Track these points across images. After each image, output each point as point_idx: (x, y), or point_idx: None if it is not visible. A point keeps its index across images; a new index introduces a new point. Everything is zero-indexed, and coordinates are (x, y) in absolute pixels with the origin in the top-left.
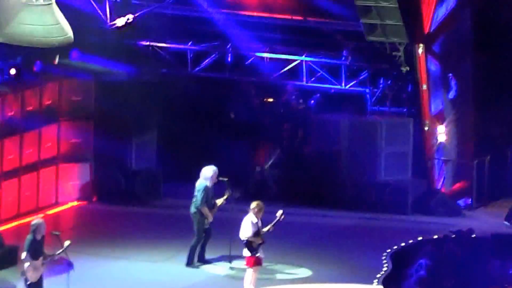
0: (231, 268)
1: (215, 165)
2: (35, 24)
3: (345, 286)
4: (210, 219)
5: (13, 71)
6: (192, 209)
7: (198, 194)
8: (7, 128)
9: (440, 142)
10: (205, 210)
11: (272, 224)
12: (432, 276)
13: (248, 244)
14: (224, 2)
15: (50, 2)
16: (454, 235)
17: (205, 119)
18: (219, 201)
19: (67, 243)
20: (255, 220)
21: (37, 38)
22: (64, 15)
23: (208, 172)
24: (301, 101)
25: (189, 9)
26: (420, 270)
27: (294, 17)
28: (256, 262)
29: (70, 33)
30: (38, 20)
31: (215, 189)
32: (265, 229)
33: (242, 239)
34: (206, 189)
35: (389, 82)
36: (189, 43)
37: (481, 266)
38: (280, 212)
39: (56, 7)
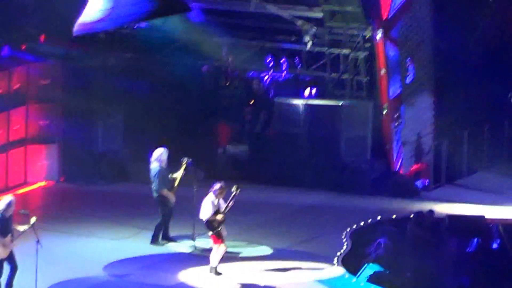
0: (195, 246)
1: (180, 146)
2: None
3: (304, 264)
4: (172, 200)
5: None
6: (154, 194)
7: (155, 180)
8: None
9: (398, 125)
10: (165, 192)
11: (230, 200)
12: (390, 254)
13: (209, 223)
14: None
15: None
16: (415, 215)
17: (169, 102)
18: (178, 175)
19: (33, 219)
20: (215, 201)
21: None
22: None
23: (160, 154)
24: (262, 85)
25: None
26: (378, 249)
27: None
28: (219, 239)
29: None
30: None
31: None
32: (225, 207)
33: (202, 219)
34: (160, 172)
35: (348, 67)
36: None
37: (439, 245)
38: (234, 187)
39: None
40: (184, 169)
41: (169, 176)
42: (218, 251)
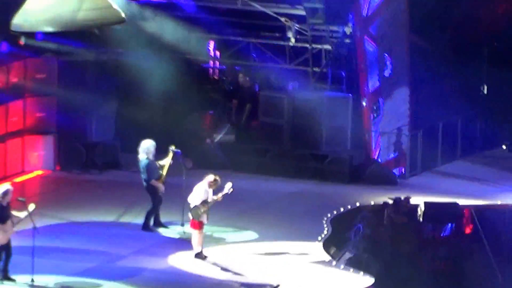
0: (183, 232)
1: (169, 137)
2: (92, 10)
3: (287, 248)
4: (162, 188)
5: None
6: (144, 184)
7: (144, 172)
8: None
9: (377, 117)
10: (155, 183)
11: (220, 195)
12: (368, 239)
13: (195, 209)
14: None
15: None
16: (392, 202)
17: (159, 95)
18: (165, 162)
19: (31, 206)
20: (207, 190)
21: (94, 21)
22: None
23: (147, 146)
24: (247, 78)
25: None
26: (357, 234)
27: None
28: (199, 226)
29: (121, 15)
30: (94, 6)
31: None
32: (214, 197)
33: (190, 204)
34: (149, 164)
35: (329, 62)
36: None
37: (415, 229)
38: (229, 185)
39: None
40: (172, 158)
41: (157, 163)
42: (196, 236)
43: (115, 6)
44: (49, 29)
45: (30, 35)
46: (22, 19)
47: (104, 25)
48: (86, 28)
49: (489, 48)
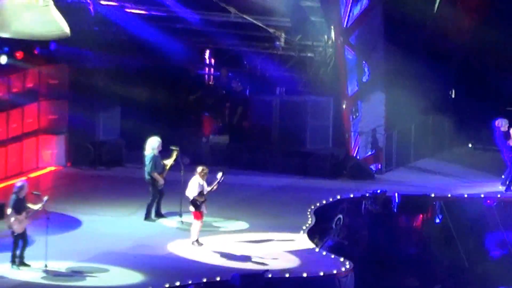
0: (181, 221)
1: (169, 136)
2: (36, 22)
3: (275, 236)
4: (161, 182)
5: (3, 60)
6: (146, 176)
7: (148, 164)
8: None
9: (356, 118)
10: (156, 175)
11: (214, 184)
12: (349, 228)
13: (194, 201)
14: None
15: (47, 4)
16: (369, 195)
17: (160, 99)
18: (169, 161)
19: (45, 198)
20: (200, 182)
21: (38, 33)
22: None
23: (154, 143)
24: (239, 83)
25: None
26: (338, 224)
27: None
28: (200, 216)
29: (66, 29)
30: (39, 19)
31: (164, 156)
32: (208, 189)
33: (188, 197)
34: (153, 158)
35: (313, 68)
36: None
37: (390, 219)
38: (220, 174)
39: (54, 8)
40: (175, 157)
41: (161, 162)
42: (197, 226)
43: (63, 21)
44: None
45: (45, 44)
46: None
47: (44, 38)
48: (31, 38)
49: (457, 58)
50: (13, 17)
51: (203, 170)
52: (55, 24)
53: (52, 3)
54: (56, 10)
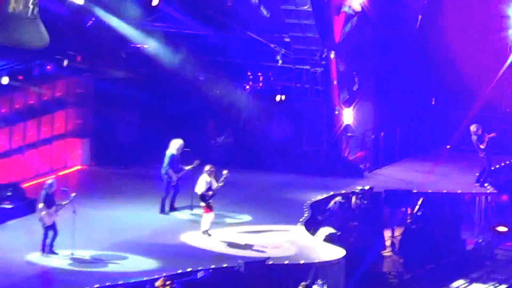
0: (192, 214)
1: (182, 139)
2: (25, 32)
3: (275, 227)
4: (174, 178)
5: (35, 71)
6: (162, 172)
7: (166, 161)
8: (29, 113)
9: (346, 122)
10: (170, 172)
11: (220, 180)
12: (340, 220)
13: (202, 197)
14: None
15: (35, 16)
16: (359, 190)
17: (174, 105)
18: (188, 167)
19: (72, 194)
20: (208, 179)
21: (24, 41)
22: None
23: (175, 144)
24: (243, 92)
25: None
26: (331, 216)
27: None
28: (209, 209)
29: (47, 39)
30: (26, 29)
31: (182, 157)
32: (215, 185)
33: (197, 193)
34: (172, 156)
35: (309, 79)
36: None
37: (377, 212)
38: (225, 171)
39: (39, 20)
40: (193, 167)
41: (181, 166)
42: (207, 218)
43: (45, 31)
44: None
45: (72, 58)
46: None
47: (27, 47)
48: (17, 45)
49: (436, 69)
50: (3, 25)
51: (210, 168)
52: (40, 35)
53: (38, 15)
54: (41, 22)
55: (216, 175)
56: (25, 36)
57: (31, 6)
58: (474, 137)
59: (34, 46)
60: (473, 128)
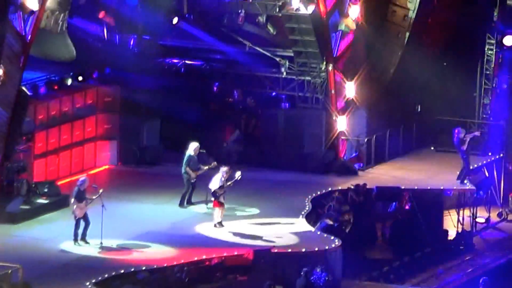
0: (208, 208)
1: (198, 141)
2: (54, 46)
3: (280, 220)
4: (193, 176)
5: (69, 81)
6: (182, 171)
7: (184, 161)
8: (63, 118)
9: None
10: (189, 171)
11: (232, 181)
12: (337, 213)
13: (215, 193)
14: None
15: (63, 32)
16: (354, 187)
17: (191, 112)
18: (205, 167)
19: (101, 190)
20: (222, 179)
21: (53, 55)
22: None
23: (192, 146)
24: (253, 101)
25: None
26: (329, 209)
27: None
28: (219, 205)
29: (73, 53)
30: (56, 43)
31: (198, 157)
32: (227, 184)
33: (211, 189)
34: (190, 157)
35: (310, 88)
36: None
37: (369, 206)
38: (238, 173)
39: (67, 35)
40: (209, 167)
41: (199, 165)
42: (218, 211)
43: (71, 46)
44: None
45: (100, 69)
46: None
47: (56, 59)
48: (46, 58)
49: (420, 80)
50: (35, 40)
51: (227, 170)
52: (67, 49)
53: (66, 31)
54: (68, 37)
55: (230, 175)
56: (54, 50)
57: (60, 23)
58: (457, 140)
59: (62, 58)
60: (456, 131)
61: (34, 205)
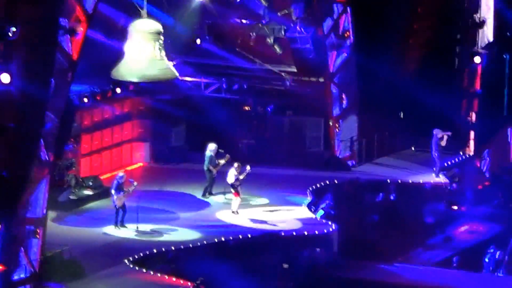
0: (226, 198)
1: (216, 142)
2: (156, 70)
3: (286, 208)
4: (215, 172)
5: (109, 93)
6: (205, 168)
7: (206, 160)
8: (105, 124)
9: (338, 131)
10: (211, 168)
11: (244, 174)
12: (334, 203)
13: (233, 185)
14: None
15: (163, 58)
16: (347, 181)
17: (211, 117)
18: (222, 161)
19: (135, 183)
20: (235, 173)
21: (157, 77)
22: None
23: (211, 147)
24: (262, 109)
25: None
26: (327, 200)
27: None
28: (238, 194)
29: (175, 72)
30: (158, 67)
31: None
32: (241, 177)
33: (228, 182)
34: (210, 156)
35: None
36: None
37: (361, 197)
38: (248, 167)
39: (166, 59)
40: (226, 161)
41: (216, 160)
42: (236, 201)
43: (172, 67)
44: (133, 79)
45: (135, 83)
46: (117, 71)
47: (163, 80)
48: (154, 81)
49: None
50: (141, 67)
51: (238, 165)
52: (168, 70)
53: (165, 56)
54: (167, 60)
55: (240, 169)
56: (158, 72)
57: (159, 51)
58: (435, 139)
59: (165, 78)
60: (435, 131)
61: (81, 196)
